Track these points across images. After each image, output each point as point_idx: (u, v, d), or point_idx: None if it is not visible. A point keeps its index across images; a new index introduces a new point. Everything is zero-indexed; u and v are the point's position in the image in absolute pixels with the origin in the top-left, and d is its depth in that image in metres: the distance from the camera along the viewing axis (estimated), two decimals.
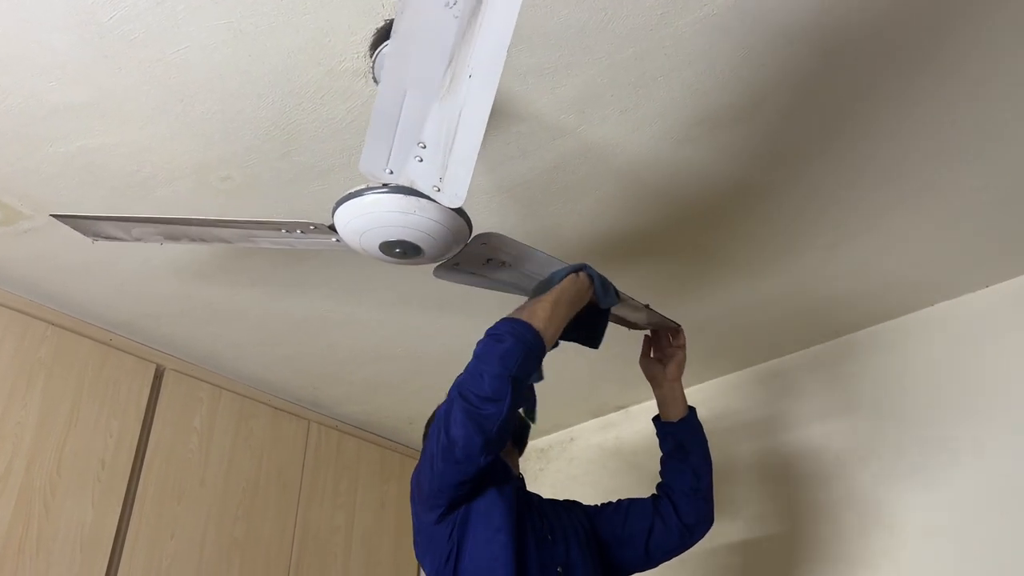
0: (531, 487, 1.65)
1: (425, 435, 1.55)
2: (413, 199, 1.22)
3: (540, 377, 1.42)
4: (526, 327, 1.35)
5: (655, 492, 1.68)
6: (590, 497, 2.53)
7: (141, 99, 1.47)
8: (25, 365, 1.99)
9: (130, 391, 2.18)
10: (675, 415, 1.66)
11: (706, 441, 1.67)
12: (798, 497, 2.21)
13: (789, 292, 2.11)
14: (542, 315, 1.38)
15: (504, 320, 1.38)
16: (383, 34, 1.33)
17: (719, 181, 1.70)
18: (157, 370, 2.26)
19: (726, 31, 1.34)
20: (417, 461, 1.47)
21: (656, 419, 1.70)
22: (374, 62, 1.38)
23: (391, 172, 1.18)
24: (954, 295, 2.14)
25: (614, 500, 1.70)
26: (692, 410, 1.70)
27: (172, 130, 1.54)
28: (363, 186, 1.24)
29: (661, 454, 1.69)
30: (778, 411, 2.36)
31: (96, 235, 1.50)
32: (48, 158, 1.61)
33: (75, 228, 1.49)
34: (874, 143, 1.61)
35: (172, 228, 1.43)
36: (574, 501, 1.70)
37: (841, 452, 2.18)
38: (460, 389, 1.32)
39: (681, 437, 1.65)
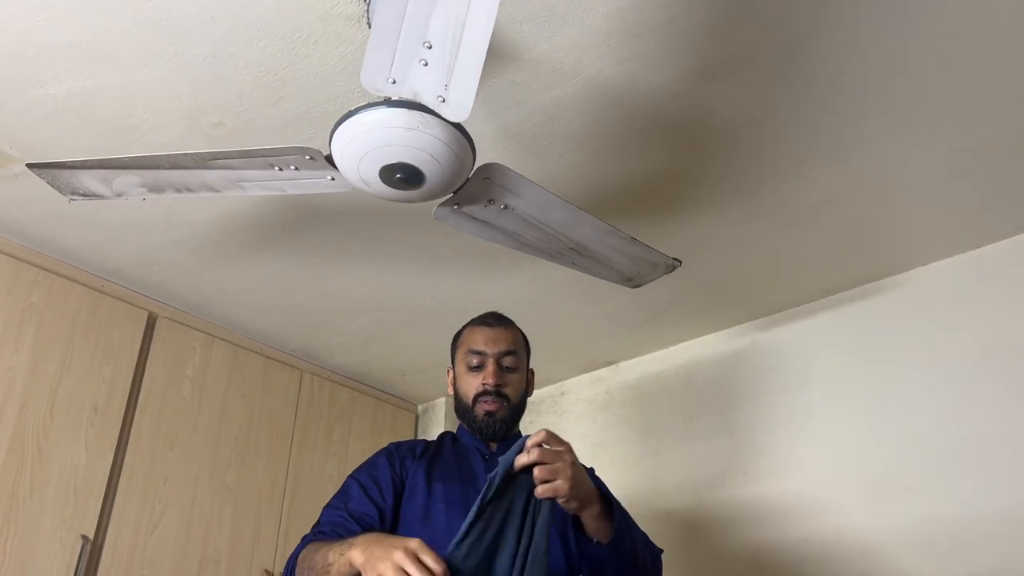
0: None
1: None
2: (417, 113, 1.18)
3: None
4: None
5: None
6: (581, 450, 2.56)
7: (131, 41, 1.45)
8: (16, 309, 1.99)
9: (122, 338, 2.18)
10: (601, 536, 1.31)
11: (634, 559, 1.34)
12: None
13: (779, 250, 2.11)
14: None
15: None
16: None
17: (714, 134, 1.69)
18: (150, 317, 2.27)
19: None
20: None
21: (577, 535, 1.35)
22: (368, 6, 1.35)
23: (393, 82, 1.14)
24: (945, 256, 2.15)
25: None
26: (616, 529, 1.32)
27: (163, 74, 1.52)
28: (363, 103, 1.19)
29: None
30: (770, 367, 2.39)
31: (74, 192, 1.43)
32: (37, 100, 1.59)
33: (52, 184, 1.42)
34: (866, 104, 1.60)
35: (155, 176, 1.38)
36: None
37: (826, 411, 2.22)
38: None
39: (601, 562, 1.32)
